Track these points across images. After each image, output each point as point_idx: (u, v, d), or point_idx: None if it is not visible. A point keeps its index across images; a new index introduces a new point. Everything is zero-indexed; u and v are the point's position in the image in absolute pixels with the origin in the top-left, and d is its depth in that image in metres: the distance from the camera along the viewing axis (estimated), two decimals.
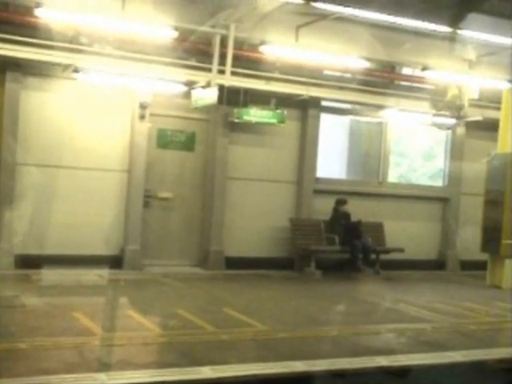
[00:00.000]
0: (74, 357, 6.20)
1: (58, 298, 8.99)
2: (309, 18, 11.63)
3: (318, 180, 13.14)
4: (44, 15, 9.82)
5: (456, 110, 13.24)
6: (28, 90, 10.82)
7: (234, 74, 11.14)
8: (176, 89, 11.41)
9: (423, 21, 10.80)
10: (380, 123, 13.94)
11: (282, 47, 11.60)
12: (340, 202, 12.80)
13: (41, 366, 5.87)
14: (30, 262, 10.37)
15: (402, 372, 6.68)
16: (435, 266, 14.06)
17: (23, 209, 10.80)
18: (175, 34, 10.53)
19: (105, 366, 5.99)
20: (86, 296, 9.39)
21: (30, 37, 10.12)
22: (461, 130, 14.18)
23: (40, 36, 10.14)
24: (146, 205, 11.80)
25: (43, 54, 10.30)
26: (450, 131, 14.29)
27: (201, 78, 11.19)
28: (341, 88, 12.61)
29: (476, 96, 13.03)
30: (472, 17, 11.25)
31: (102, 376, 5.69)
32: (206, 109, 11.60)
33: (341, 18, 11.40)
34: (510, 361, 7.08)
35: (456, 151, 14.35)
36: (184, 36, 10.98)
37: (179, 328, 7.61)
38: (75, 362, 6.03)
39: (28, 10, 10.07)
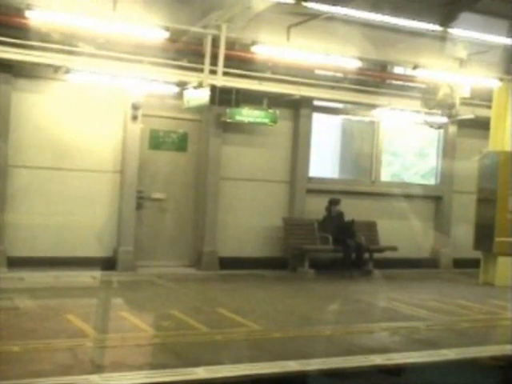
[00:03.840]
0: (68, 359, 6.19)
1: (52, 300, 8.97)
2: (300, 17, 11.61)
3: (310, 179, 13.15)
4: (35, 16, 9.77)
5: (448, 108, 13.23)
6: (19, 91, 10.80)
7: (225, 74, 11.12)
8: (168, 89, 11.40)
9: (415, 20, 10.82)
10: (372, 122, 13.96)
11: (273, 47, 11.57)
12: (333, 202, 12.79)
13: (34, 368, 5.85)
14: (23, 264, 10.36)
15: (397, 370, 6.69)
16: (428, 264, 14.08)
17: (15, 210, 10.78)
18: (166, 35, 10.50)
19: (98, 368, 5.98)
20: (80, 298, 9.37)
21: (21, 38, 10.10)
22: (452, 129, 14.21)
23: (31, 37, 10.11)
24: (139, 206, 11.79)
25: (34, 56, 10.28)
26: (441, 130, 14.32)
27: (193, 78, 11.18)
28: (333, 87, 12.63)
29: (467, 94, 13.04)
30: (463, 16, 11.28)
31: (95, 378, 5.67)
32: (199, 109, 11.58)
33: (332, 18, 11.39)
34: (503, 358, 7.10)
35: (448, 149, 14.39)
36: (175, 36, 10.95)
37: (173, 329, 7.60)
38: (69, 364, 6.02)
39: (19, 12, 10.01)
